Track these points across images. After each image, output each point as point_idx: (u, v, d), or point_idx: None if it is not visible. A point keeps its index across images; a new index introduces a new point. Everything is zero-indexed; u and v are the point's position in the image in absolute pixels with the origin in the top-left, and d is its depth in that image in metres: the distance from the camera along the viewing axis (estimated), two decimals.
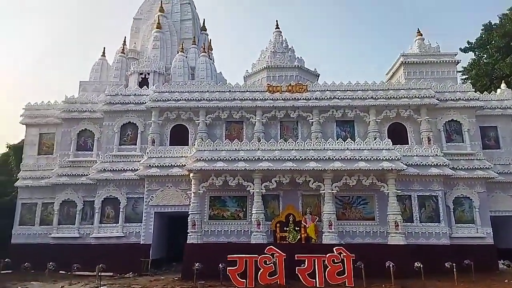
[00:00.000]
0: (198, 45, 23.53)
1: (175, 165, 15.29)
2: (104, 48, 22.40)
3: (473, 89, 17.80)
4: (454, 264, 11.60)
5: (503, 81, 24.59)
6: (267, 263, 11.50)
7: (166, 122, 16.79)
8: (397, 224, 13.39)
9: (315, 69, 20.82)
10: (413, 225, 14.45)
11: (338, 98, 16.47)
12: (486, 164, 15.49)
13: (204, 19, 26.39)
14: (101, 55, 22.08)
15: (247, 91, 16.93)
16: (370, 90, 16.61)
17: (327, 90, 16.74)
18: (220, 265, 11.70)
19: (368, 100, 16.31)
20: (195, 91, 16.85)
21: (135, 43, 23.50)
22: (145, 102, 16.73)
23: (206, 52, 22.01)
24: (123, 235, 15.44)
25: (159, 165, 15.31)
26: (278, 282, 11.26)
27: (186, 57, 21.61)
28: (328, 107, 16.46)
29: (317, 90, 16.77)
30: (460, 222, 15.00)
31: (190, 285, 11.59)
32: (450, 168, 14.80)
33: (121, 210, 15.71)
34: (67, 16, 65.80)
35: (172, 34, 23.13)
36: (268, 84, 17.33)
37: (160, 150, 15.87)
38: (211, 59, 22.98)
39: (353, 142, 14.68)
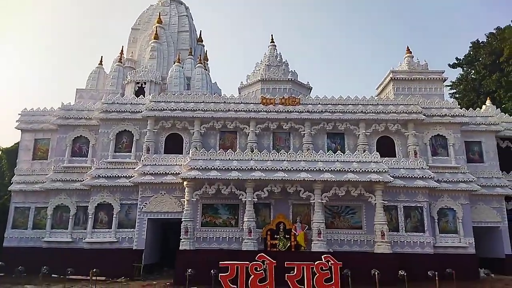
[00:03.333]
0: (194, 56, 24.08)
1: (169, 173, 15.65)
2: (102, 57, 22.86)
3: (459, 105, 18.53)
4: (436, 273, 12.05)
5: (488, 97, 25.53)
6: (258, 269, 11.86)
7: (161, 130, 17.18)
8: (383, 234, 13.88)
9: (308, 82, 21.46)
10: (398, 234, 14.94)
11: (329, 111, 17.03)
12: (469, 177, 16.12)
13: (200, 31, 27.04)
14: (99, 64, 22.48)
15: (242, 102, 17.41)
16: (360, 104, 17.22)
17: (319, 103, 17.31)
18: (212, 271, 12.01)
19: (358, 114, 16.90)
20: (191, 101, 17.28)
21: (132, 53, 23.97)
22: (141, 111, 17.11)
23: (202, 63, 22.53)
24: (115, 240, 15.66)
25: (153, 172, 15.65)
26: None
27: (183, 67, 22.10)
28: (319, 120, 17.01)
29: (309, 103, 17.32)
30: (444, 232, 15.53)
31: None
32: (435, 181, 15.37)
33: (114, 216, 15.95)
34: (66, 24, 66.20)
35: (169, 45, 23.65)
36: (262, 96, 17.85)
37: (154, 158, 16.21)
38: (206, 70, 23.50)
39: (342, 154, 15.22)
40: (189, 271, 12.17)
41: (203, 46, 26.52)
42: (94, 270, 12.40)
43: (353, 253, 14.08)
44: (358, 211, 15.15)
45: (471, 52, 33.00)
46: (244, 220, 14.23)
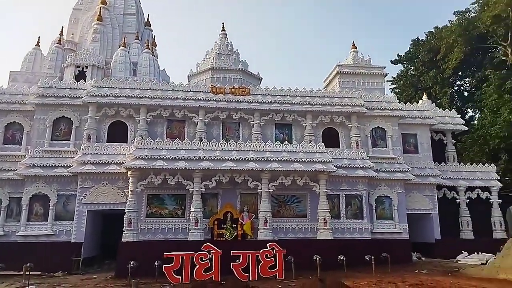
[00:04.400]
0: (141, 40, 23.16)
1: (112, 162, 15.02)
2: (39, 37, 21.24)
3: (398, 100, 19.67)
4: (373, 257, 12.87)
5: (425, 92, 27.40)
6: (203, 259, 11.82)
7: (103, 118, 16.38)
8: (325, 221, 14.49)
9: (258, 73, 21.56)
10: (340, 221, 15.64)
11: (278, 102, 17.26)
12: (405, 167, 17.28)
13: (148, 14, 26.02)
14: (35, 45, 20.91)
15: (191, 91, 17.09)
16: (308, 96, 17.64)
17: (269, 94, 17.46)
18: (155, 262, 11.79)
19: (305, 106, 17.31)
20: (137, 88, 16.63)
21: (73, 34, 22.50)
22: (82, 97, 16.18)
23: (149, 48, 21.75)
24: (52, 233, 14.76)
25: (94, 162, 14.92)
26: (213, 278, 11.62)
27: (128, 52, 21.18)
28: (268, 111, 17.19)
29: (259, 94, 17.42)
30: (380, 218, 16.53)
31: (124, 283, 11.53)
32: (374, 171, 16.25)
33: (50, 207, 15.00)
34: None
35: (114, 27, 22.51)
36: (212, 85, 17.64)
37: (96, 146, 15.44)
38: (154, 56, 22.73)
39: (290, 144, 15.56)
40: (131, 263, 11.86)
41: (151, 30, 25.57)
42: (28, 264, 11.65)
43: (297, 240, 14.55)
44: (303, 200, 15.63)
45: (411, 50, 35.08)
46: (191, 210, 14.11)
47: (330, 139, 17.41)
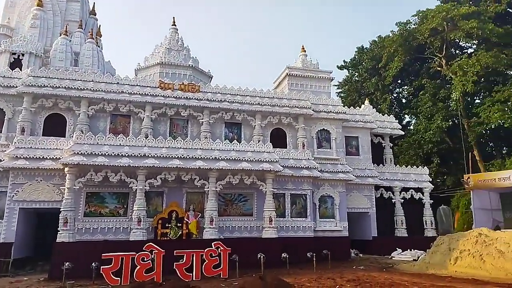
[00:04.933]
0: (85, 29, 21.91)
1: (48, 157, 14.07)
2: None
3: (343, 104, 20.60)
4: (314, 254, 13.34)
5: (367, 98, 28.94)
6: (145, 260, 11.45)
7: (40, 110, 15.29)
8: (271, 219, 14.75)
9: (209, 70, 21.33)
10: (285, 220, 16.00)
11: (228, 101, 17.24)
12: (347, 168, 18.11)
13: (94, 3, 24.67)
14: None
15: (138, 85, 16.51)
16: (258, 96, 17.82)
17: (219, 92, 17.39)
18: (93, 264, 11.24)
19: (255, 105, 17.47)
20: (78, 79, 15.71)
21: (9, 19, 20.73)
22: (17, 86, 14.98)
23: (93, 38, 20.60)
24: None
25: (28, 156, 13.87)
26: (155, 279, 11.32)
27: (70, 41, 19.93)
28: (218, 109, 17.10)
29: (209, 92, 17.27)
30: (323, 217, 17.19)
31: (58, 285, 10.84)
32: (318, 171, 16.84)
33: None
34: None
35: (56, 14, 21.07)
36: (160, 80, 17.17)
37: (30, 140, 14.36)
38: (99, 46, 21.58)
39: (238, 144, 15.62)
40: (66, 264, 11.19)
41: (96, 20, 24.26)
42: None
43: (242, 239, 14.63)
44: (250, 199, 15.76)
45: (356, 57, 36.90)
46: (134, 209, 13.65)
47: (278, 139, 17.76)
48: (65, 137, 15.08)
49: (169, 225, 14.07)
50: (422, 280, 10.81)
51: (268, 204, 14.98)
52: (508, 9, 28.24)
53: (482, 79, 26.90)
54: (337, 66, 37.39)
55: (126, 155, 13.67)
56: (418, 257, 15.75)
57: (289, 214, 16.17)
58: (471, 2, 29.02)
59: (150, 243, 12.07)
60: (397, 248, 18.07)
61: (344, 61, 37.43)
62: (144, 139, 14.64)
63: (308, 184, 16.64)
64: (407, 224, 19.69)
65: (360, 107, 22.70)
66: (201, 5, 76.89)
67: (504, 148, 30.04)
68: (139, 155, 13.79)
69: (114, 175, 13.51)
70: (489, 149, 30.76)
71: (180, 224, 14.17)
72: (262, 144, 16.09)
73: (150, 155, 13.93)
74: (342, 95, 36.52)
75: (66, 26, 20.23)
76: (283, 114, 17.83)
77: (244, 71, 75.51)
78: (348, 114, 19.57)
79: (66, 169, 13.22)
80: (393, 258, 17.10)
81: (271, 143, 16.26)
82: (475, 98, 29.95)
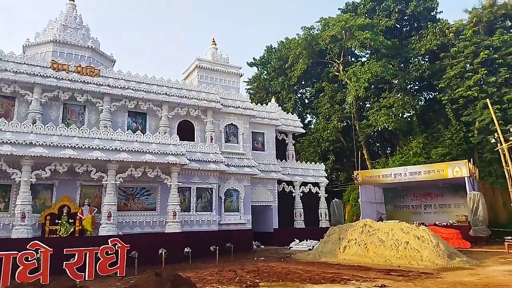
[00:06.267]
0: None
1: None
2: None
3: (252, 101, 21.12)
4: (217, 247, 13.43)
5: (274, 96, 30.15)
6: (29, 259, 10.17)
7: None
8: (175, 214, 14.38)
9: (112, 54, 19.77)
10: (190, 214, 15.81)
11: (132, 89, 16.26)
12: (253, 163, 18.63)
13: None
14: None
15: (25, 63, 14.55)
16: (165, 86, 17.16)
17: (122, 79, 16.28)
18: None
19: (162, 95, 16.80)
20: None
21: None
22: None
23: None
24: None
25: None
26: (41, 280, 10.13)
27: None
28: (121, 96, 16.02)
29: (110, 77, 16.05)
30: (228, 210, 17.42)
31: None
32: (225, 165, 16.99)
33: None
34: None
35: None
36: (53, 60, 15.35)
37: None
38: None
39: (142, 135, 14.82)
40: None
41: None
42: None
43: (143, 235, 14.01)
44: (153, 193, 15.15)
45: (265, 55, 38.10)
46: (17, 203, 12.03)
47: (186, 132, 17.40)
48: None
49: (60, 221, 12.75)
50: (314, 268, 11.64)
51: (173, 198, 14.58)
52: (396, 24, 32.05)
53: (372, 86, 30.13)
54: (247, 63, 38.17)
55: (8, 142, 11.94)
56: (313, 247, 16.99)
57: (194, 208, 16.00)
58: (367, 15, 32.18)
59: (36, 241, 10.75)
60: (295, 239, 19.25)
61: (253, 58, 38.39)
62: (31, 124, 12.95)
63: (214, 178, 16.66)
64: (305, 216, 21.13)
65: (267, 105, 23.53)
66: None
67: (388, 148, 34.26)
68: (24, 143, 12.16)
69: None
70: (375, 149, 34.72)
71: (73, 220, 12.95)
72: (168, 136, 15.56)
73: (37, 143, 12.39)
74: (251, 91, 37.39)
75: None
76: (192, 106, 17.51)
77: (152, 63, 72.26)
78: (256, 111, 20.14)
79: None
80: (291, 248, 18.18)
81: (178, 136, 15.81)
82: (366, 102, 33.43)
